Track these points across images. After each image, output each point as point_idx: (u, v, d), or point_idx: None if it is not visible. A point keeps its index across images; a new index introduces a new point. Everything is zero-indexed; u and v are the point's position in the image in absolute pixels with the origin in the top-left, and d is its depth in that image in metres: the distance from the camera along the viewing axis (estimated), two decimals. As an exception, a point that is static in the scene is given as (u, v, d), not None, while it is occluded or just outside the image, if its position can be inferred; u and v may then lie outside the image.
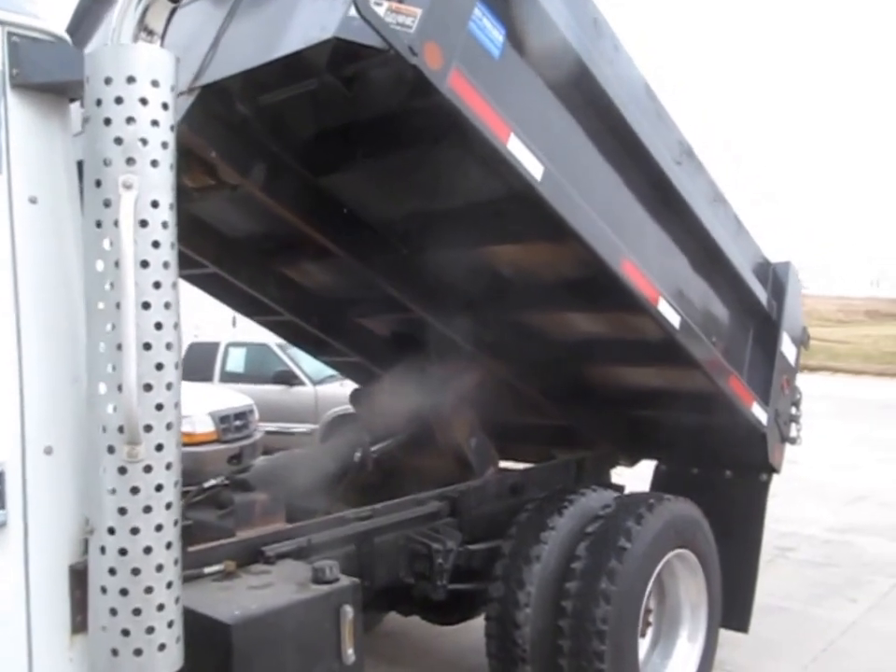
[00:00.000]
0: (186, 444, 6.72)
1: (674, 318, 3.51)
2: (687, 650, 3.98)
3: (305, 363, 10.76)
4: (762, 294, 4.36)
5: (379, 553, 3.41)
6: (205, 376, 11.03)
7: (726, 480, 4.59)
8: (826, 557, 6.96)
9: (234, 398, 9.10)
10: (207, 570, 2.74)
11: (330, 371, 10.58)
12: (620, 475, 5.06)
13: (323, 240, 3.63)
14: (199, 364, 11.20)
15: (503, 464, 4.71)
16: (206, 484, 3.49)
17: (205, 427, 8.11)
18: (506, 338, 4.16)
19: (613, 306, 3.63)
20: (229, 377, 11.11)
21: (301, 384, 10.65)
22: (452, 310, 3.95)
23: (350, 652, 2.64)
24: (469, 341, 4.05)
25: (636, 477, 5.05)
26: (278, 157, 3.31)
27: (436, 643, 4.96)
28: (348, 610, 2.63)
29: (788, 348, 4.46)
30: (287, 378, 10.68)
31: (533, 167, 2.80)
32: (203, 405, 8.35)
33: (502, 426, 4.73)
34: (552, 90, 3.00)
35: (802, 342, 4.65)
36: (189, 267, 4.45)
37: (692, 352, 3.71)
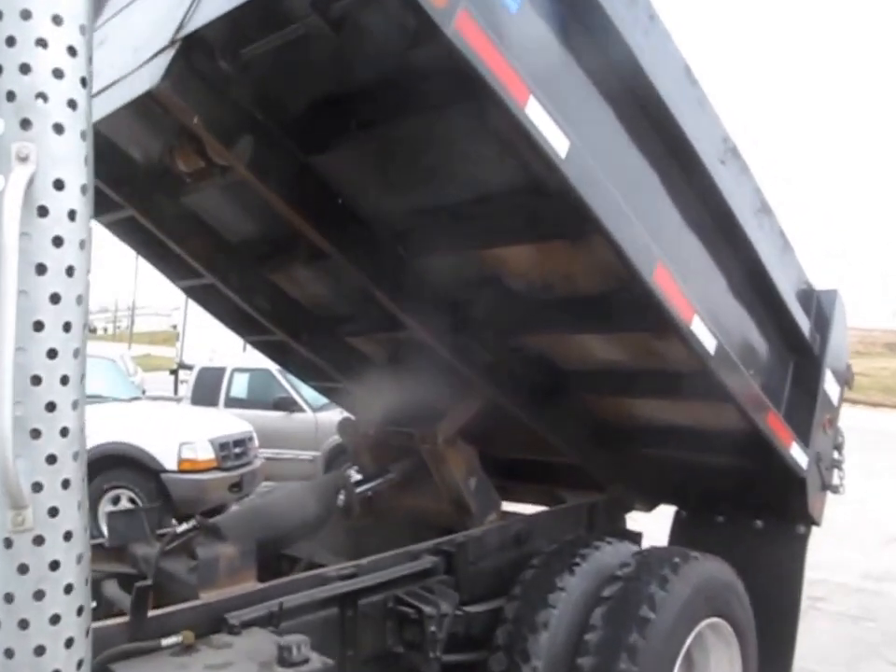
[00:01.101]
0: (188, 472, 6.26)
1: (709, 342, 2.92)
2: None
3: (305, 389, 10.21)
4: (804, 324, 3.68)
5: (364, 618, 2.83)
6: (212, 401, 10.58)
7: (757, 531, 3.90)
8: (861, 609, 6.20)
9: (233, 424, 8.59)
10: (165, 642, 2.18)
11: (332, 399, 10.11)
12: (634, 519, 4.48)
13: (314, 234, 3.06)
14: (207, 389, 10.78)
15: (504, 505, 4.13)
16: (179, 529, 2.93)
17: (207, 454, 7.58)
18: (509, 362, 3.59)
19: (637, 326, 3.05)
20: (232, 402, 10.59)
21: (301, 410, 10.13)
22: (450, 326, 3.37)
23: (320, 752, 2.08)
24: (469, 364, 3.46)
25: (652, 519, 4.45)
26: (265, 128, 2.79)
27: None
28: (322, 702, 2.08)
29: (831, 386, 3.82)
30: (287, 404, 10.17)
31: (557, 140, 2.26)
32: (203, 431, 7.82)
33: (504, 463, 4.16)
34: (578, 60, 2.47)
35: (846, 380, 3.97)
36: (186, 276, 4.02)
37: (726, 383, 3.09)
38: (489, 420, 3.79)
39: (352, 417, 4.16)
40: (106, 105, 2.56)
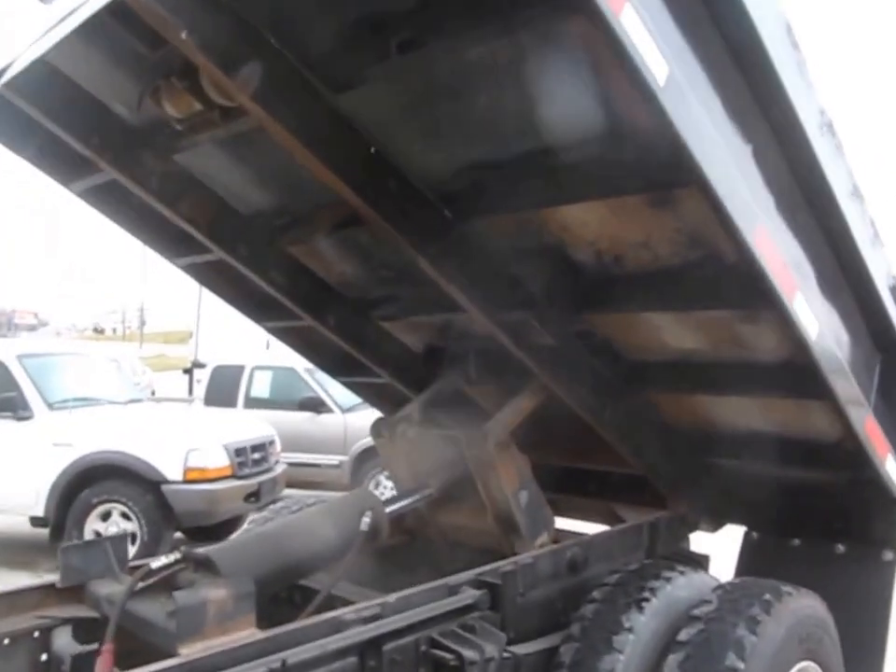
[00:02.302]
0: (197, 481, 5.86)
1: (812, 325, 2.49)
2: None
3: (334, 388, 9.89)
4: None
5: (391, 667, 2.43)
6: (229, 402, 10.25)
7: (838, 557, 3.48)
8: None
9: (253, 427, 8.21)
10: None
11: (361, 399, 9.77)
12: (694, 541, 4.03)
13: (340, 187, 2.60)
14: (223, 389, 10.47)
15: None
16: (155, 564, 2.53)
17: (219, 461, 7.18)
18: (572, 351, 3.15)
19: (726, 302, 2.63)
20: (253, 403, 10.25)
21: (330, 411, 9.76)
22: (506, 303, 2.93)
23: None
24: (527, 349, 3.02)
25: (713, 539, 3.99)
26: (278, 55, 2.36)
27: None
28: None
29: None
30: (315, 405, 9.79)
31: (655, 63, 1.89)
32: (216, 436, 7.46)
33: (554, 473, 3.74)
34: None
35: None
36: (186, 251, 3.66)
37: (827, 376, 2.65)
38: (540, 423, 3.37)
39: (386, 418, 3.72)
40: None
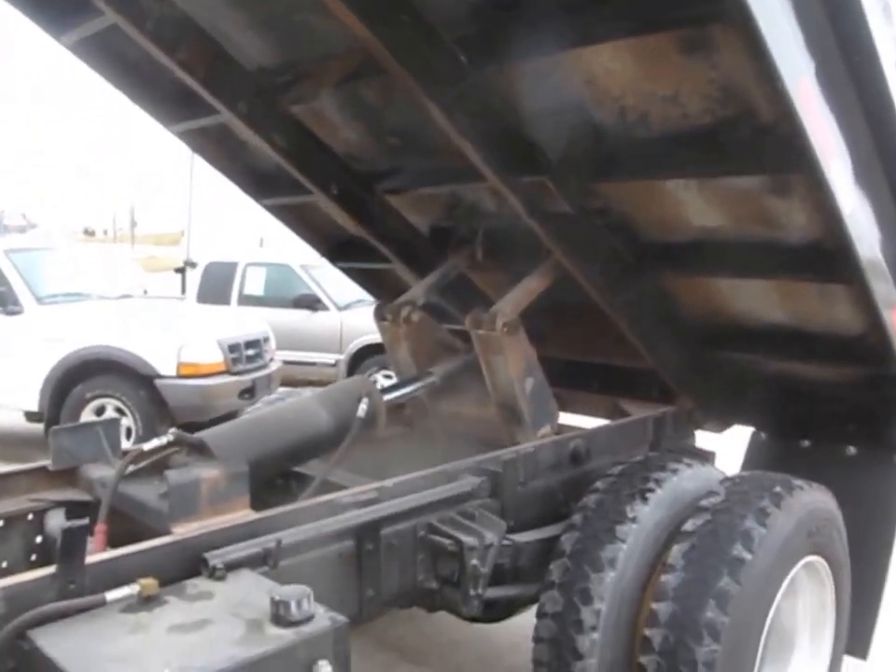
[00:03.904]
0: (191, 376, 5.83)
1: (846, 196, 2.37)
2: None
3: (330, 286, 9.84)
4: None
5: (389, 551, 2.43)
6: (222, 299, 10.17)
7: (849, 459, 3.47)
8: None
9: (247, 324, 8.14)
10: (112, 596, 1.77)
11: (358, 296, 9.69)
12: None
13: (350, 19, 2.40)
14: (216, 286, 10.37)
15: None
16: (148, 446, 2.50)
17: (212, 356, 7.12)
18: (588, 225, 3.03)
19: (756, 166, 2.49)
20: (247, 300, 10.17)
21: (325, 309, 9.70)
22: (521, 165, 2.77)
23: (326, 736, 1.68)
24: (541, 217, 2.86)
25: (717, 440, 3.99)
26: None
27: (468, 634, 4.03)
28: (325, 671, 1.67)
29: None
30: (310, 302, 9.72)
31: None
32: (209, 331, 7.39)
33: (558, 366, 3.69)
34: None
35: None
36: (182, 115, 3.54)
37: (857, 256, 2.54)
38: (546, 314, 3.30)
39: (389, 302, 3.63)
40: None
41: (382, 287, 4.37)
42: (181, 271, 15.95)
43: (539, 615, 2.67)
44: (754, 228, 2.74)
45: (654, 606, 2.50)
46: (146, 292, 9.58)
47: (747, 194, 2.63)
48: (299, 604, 1.71)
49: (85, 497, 2.64)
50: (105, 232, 69.29)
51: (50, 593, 1.77)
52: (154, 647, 1.63)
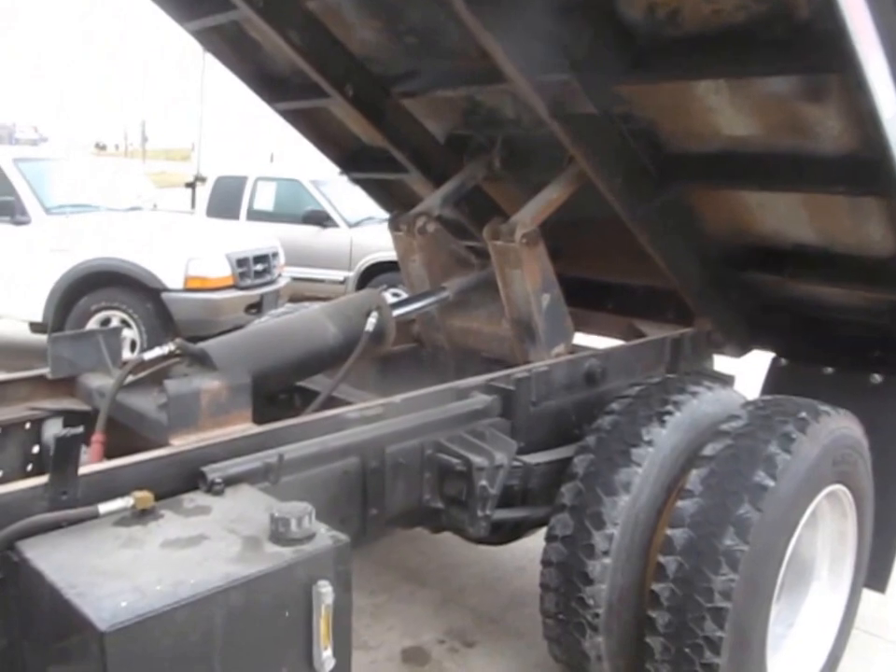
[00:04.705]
0: (198, 290, 5.74)
1: (887, 98, 2.18)
2: (818, 616, 2.92)
3: (341, 203, 9.65)
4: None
5: (394, 469, 2.35)
6: (231, 214, 10.02)
7: (873, 387, 3.34)
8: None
9: (255, 238, 7.99)
10: (105, 508, 1.69)
11: (368, 213, 9.52)
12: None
13: None
14: (225, 200, 10.21)
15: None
16: (148, 355, 2.40)
17: (220, 270, 7.01)
18: (612, 130, 2.84)
19: (792, 65, 2.30)
20: (256, 215, 10.00)
21: (335, 225, 9.52)
22: (541, 63, 2.55)
23: (327, 655, 1.63)
24: (563, 118, 2.67)
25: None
26: None
27: (472, 556, 4.00)
28: (325, 592, 1.60)
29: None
30: (320, 219, 9.54)
31: None
32: (218, 245, 7.26)
33: (573, 284, 3.56)
34: None
35: None
36: (196, 12, 3.42)
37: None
38: (563, 230, 3.15)
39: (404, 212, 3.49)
40: None
41: (395, 200, 4.21)
42: (191, 185, 15.76)
43: (549, 538, 2.60)
44: (786, 137, 2.56)
45: (670, 532, 2.42)
46: (156, 206, 9.37)
47: (780, 100, 2.45)
48: (299, 521, 1.63)
49: (83, 406, 2.56)
50: (117, 147, 68.60)
51: (42, 503, 1.70)
52: (147, 562, 1.55)
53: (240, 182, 10.30)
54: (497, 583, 3.84)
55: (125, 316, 6.75)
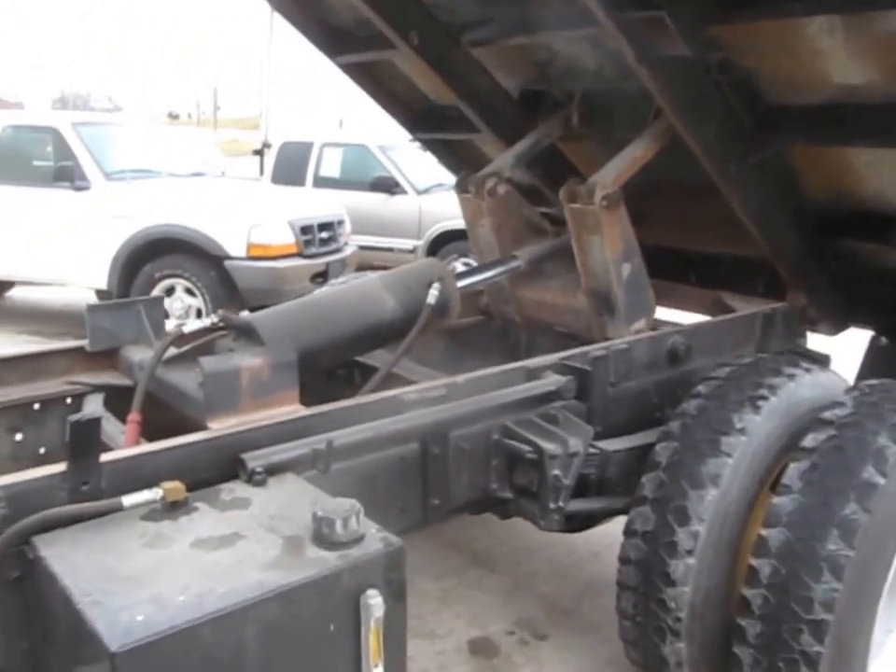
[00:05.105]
0: (261, 258, 5.61)
1: None
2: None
3: (409, 169, 9.43)
4: None
5: (458, 456, 2.14)
6: (297, 181, 9.89)
7: None
8: None
9: (321, 205, 7.82)
10: (129, 501, 1.52)
11: (438, 180, 9.28)
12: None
13: None
14: (291, 167, 10.09)
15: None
16: (188, 327, 2.23)
17: (284, 237, 6.87)
18: (705, 79, 2.54)
19: None
20: (322, 182, 9.86)
21: (404, 192, 9.31)
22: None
23: (378, 672, 1.43)
24: (650, 62, 2.38)
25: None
26: None
27: (544, 540, 3.79)
28: (375, 603, 1.40)
29: None
30: (388, 185, 9.34)
31: None
32: (282, 212, 7.11)
33: (653, 254, 3.28)
34: None
35: None
36: None
37: None
38: (644, 193, 2.87)
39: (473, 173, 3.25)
40: None
41: (464, 164, 3.96)
42: (259, 153, 15.71)
43: (628, 533, 2.37)
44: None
45: (764, 532, 2.15)
46: (223, 174, 9.30)
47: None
48: (345, 522, 1.44)
49: (125, 381, 2.41)
50: (189, 116, 69.68)
51: (61, 494, 1.54)
52: (173, 565, 1.38)
53: (306, 148, 10.16)
54: (570, 570, 3.63)
55: (189, 284, 6.68)
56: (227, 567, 1.37)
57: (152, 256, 6.73)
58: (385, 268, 8.00)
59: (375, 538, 1.47)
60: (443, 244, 8.74)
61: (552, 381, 2.30)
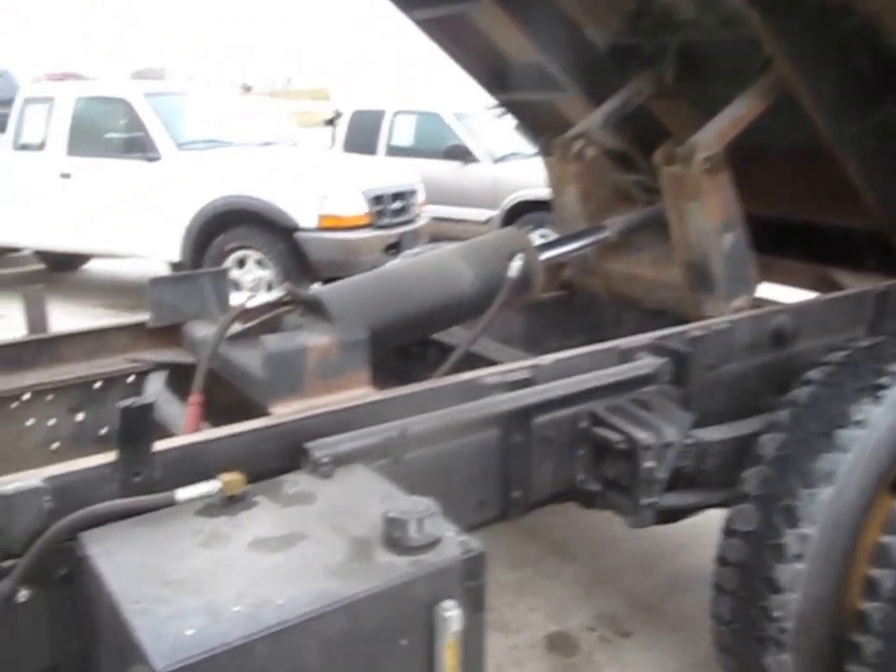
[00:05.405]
0: (332, 229, 5.50)
1: None
2: None
3: (484, 137, 9.21)
4: None
5: (541, 444, 1.98)
6: (369, 149, 9.78)
7: None
8: None
9: (393, 175, 7.69)
10: (183, 495, 1.40)
11: (514, 148, 9.04)
12: None
13: None
14: (362, 135, 9.97)
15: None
16: (252, 302, 2.11)
17: (355, 208, 6.76)
18: (817, 21, 2.27)
19: None
20: (394, 151, 9.72)
21: (477, 161, 9.10)
22: None
23: (452, 693, 1.29)
24: (759, 7, 2.17)
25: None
26: None
27: (627, 529, 3.57)
28: (452, 616, 1.25)
29: None
30: (461, 154, 9.15)
31: None
32: (353, 182, 7.00)
33: (756, 227, 3.04)
34: None
35: None
36: None
37: None
38: (743, 157, 2.62)
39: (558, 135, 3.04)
40: None
41: (543, 124, 3.74)
42: (330, 123, 15.65)
43: (727, 532, 2.17)
44: None
45: (885, 539, 1.94)
46: (296, 145, 9.25)
47: None
48: (419, 524, 1.29)
49: (188, 358, 2.31)
50: (261, 88, 70.45)
51: (112, 485, 1.43)
52: (229, 568, 1.26)
53: (378, 116, 10.03)
54: (654, 563, 3.43)
55: (260, 256, 6.63)
56: (287, 573, 1.24)
57: (223, 227, 6.71)
58: (458, 240, 7.86)
59: (453, 542, 1.32)
60: (519, 214, 8.52)
61: (647, 363, 2.11)
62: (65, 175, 7.38)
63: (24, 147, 7.76)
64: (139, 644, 1.08)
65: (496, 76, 3.63)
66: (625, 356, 2.14)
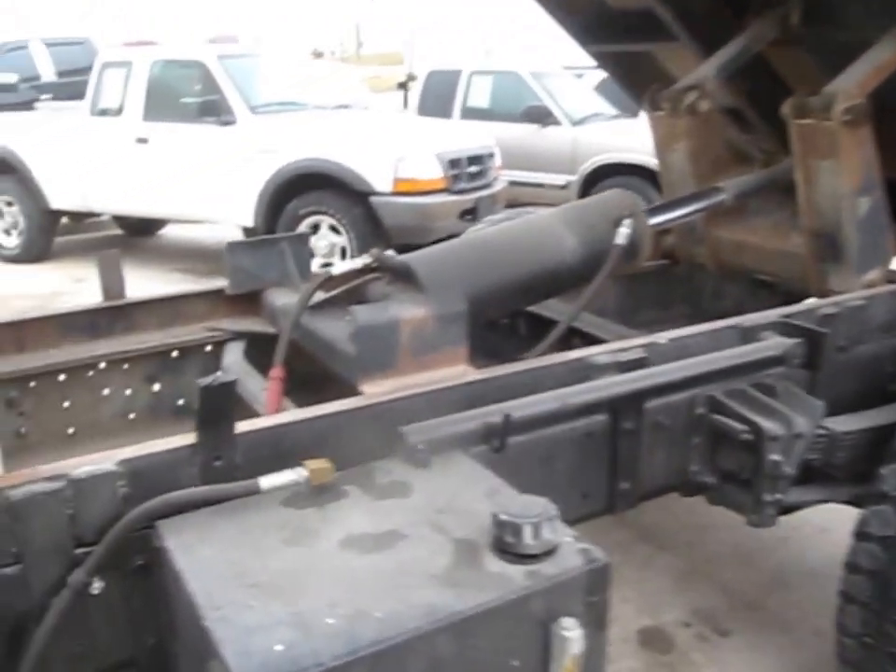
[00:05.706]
0: (407, 193, 5.33)
1: None
2: None
3: (564, 98, 8.92)
4: None
5: (653, 432, 1.80)
6: (444, 112, 9.55)
7: None
8: None
9: (470, 137, 7.47)
10: (267, 483, 1.26)
11: (595, 109, 8.72)
12: None
13: None
14: (438, 97, 9.76)
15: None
16: (338, 269, 1.96)
17: (431, 172, 6.57)
18: None
19: None
20: (470, 113, 9.48)
21: (557, 123, 8.79)
22: None
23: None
24: None
25: None
26: None
27: (724, 518, 3.37)
28: (572, 636, 1.09)
29: None
30: (540, 115, 8.84)
31: None
32: (429, 145, 6.81)
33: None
34: None
35: None
36: None
37: None
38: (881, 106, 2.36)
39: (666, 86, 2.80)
40: None
41: (641, 80, 3.49)
42: (403, 86, 15.47)
43: (860, 536, 1.96)
44: None
45: None
46: (368, 108, 9.11)
47: None
48: (536, 529, 1.13)
49: (268, 328, 2.19)
50: (333, 53, 70.46)
51: (191, 469, 1.30)
52: (320, 570, 1.12)
53: (453, 77, 9.79)
54: (754, 555, 3.22)
55: (333, 221, 6.52)
56: (385, 580, 1.10)
57: (297, 192, 6.60)
58: (535, 205, 7.62)
59: (572, 549, 1.16)
60: (600, 179, 8.23)
61: (774, 343, 1.90)
62: (142, 140, 7.38)
63: (102, 113, 7.78)
64: (223, 659, 0.95)
65: (592, 25, 3.39)
66: (748, 334, 1.94)
